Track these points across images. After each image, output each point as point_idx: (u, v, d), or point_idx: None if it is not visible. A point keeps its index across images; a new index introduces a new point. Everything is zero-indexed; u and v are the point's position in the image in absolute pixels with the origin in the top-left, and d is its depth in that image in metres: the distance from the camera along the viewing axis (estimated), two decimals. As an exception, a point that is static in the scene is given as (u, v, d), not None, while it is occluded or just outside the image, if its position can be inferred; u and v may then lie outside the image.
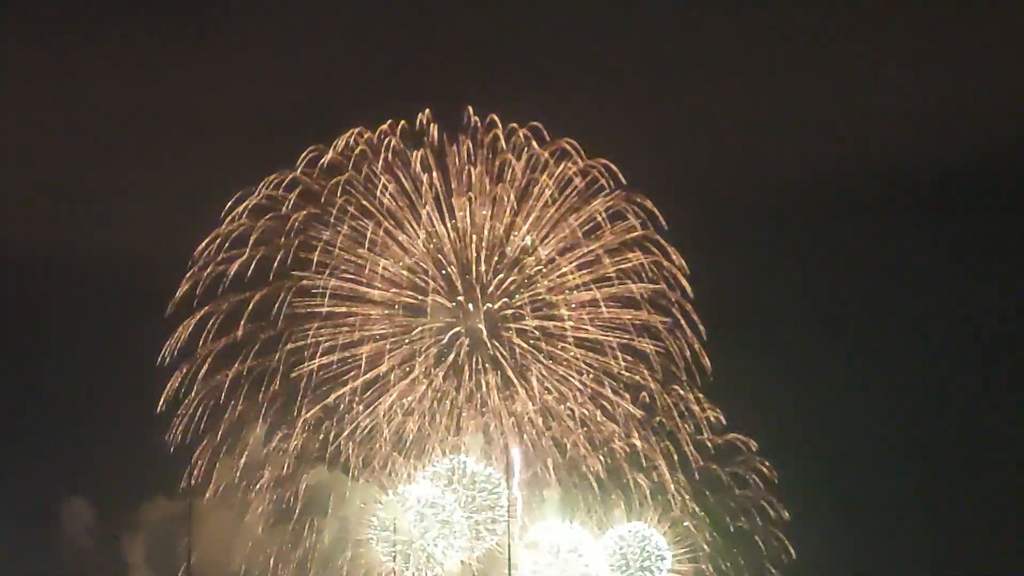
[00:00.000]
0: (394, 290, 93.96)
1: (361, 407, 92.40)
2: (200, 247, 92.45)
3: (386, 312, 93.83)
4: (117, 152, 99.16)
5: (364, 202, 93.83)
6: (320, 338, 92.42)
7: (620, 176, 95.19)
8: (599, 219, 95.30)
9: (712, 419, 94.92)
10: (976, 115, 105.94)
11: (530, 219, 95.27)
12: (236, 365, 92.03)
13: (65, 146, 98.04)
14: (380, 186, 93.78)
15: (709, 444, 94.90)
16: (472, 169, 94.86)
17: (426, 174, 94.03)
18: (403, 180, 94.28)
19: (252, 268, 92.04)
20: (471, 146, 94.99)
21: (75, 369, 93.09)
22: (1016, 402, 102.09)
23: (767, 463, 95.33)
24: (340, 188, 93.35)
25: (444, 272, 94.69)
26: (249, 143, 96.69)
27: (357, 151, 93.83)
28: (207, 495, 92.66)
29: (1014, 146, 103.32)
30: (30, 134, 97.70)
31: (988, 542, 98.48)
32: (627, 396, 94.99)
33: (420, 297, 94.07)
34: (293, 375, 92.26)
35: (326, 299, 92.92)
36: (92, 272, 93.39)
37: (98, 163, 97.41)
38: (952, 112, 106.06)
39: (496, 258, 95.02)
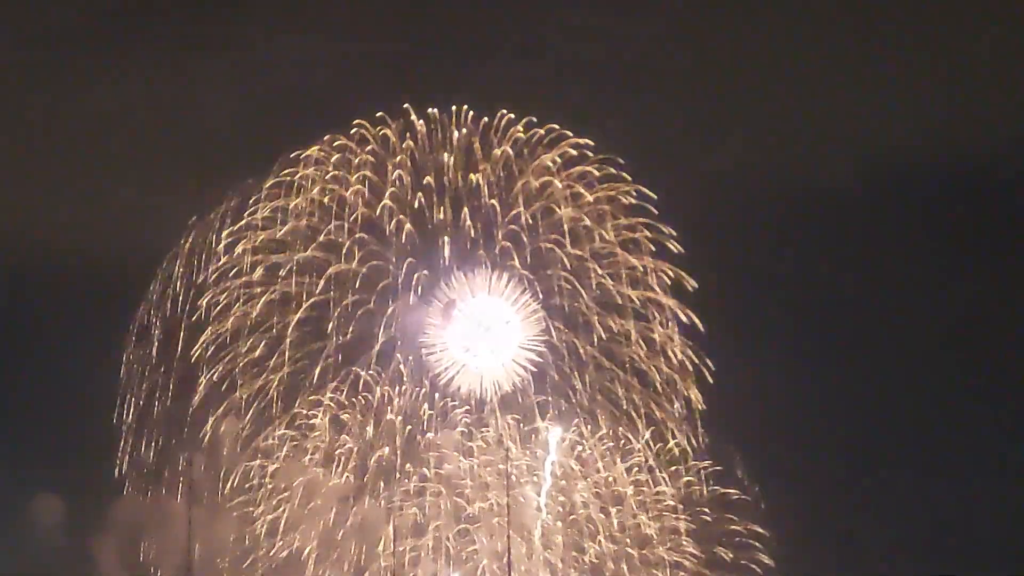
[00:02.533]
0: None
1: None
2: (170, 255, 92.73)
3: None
4: (81, 159, 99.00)
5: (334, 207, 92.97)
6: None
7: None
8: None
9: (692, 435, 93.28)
10: (982, 119, 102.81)
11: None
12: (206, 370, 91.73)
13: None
14: (349, 194, 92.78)
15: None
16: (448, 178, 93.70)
17: (397, 181, 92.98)
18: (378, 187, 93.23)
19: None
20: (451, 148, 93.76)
21: (44, 365, 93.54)
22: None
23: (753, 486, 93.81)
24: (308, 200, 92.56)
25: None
26: (222, 151, 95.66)
27: (333, 159, 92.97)
28: (178, 493, 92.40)
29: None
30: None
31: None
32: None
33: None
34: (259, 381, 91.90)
35: (301, 306, 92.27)
36: (57, 271, 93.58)
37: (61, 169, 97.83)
38: (962, 115, 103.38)
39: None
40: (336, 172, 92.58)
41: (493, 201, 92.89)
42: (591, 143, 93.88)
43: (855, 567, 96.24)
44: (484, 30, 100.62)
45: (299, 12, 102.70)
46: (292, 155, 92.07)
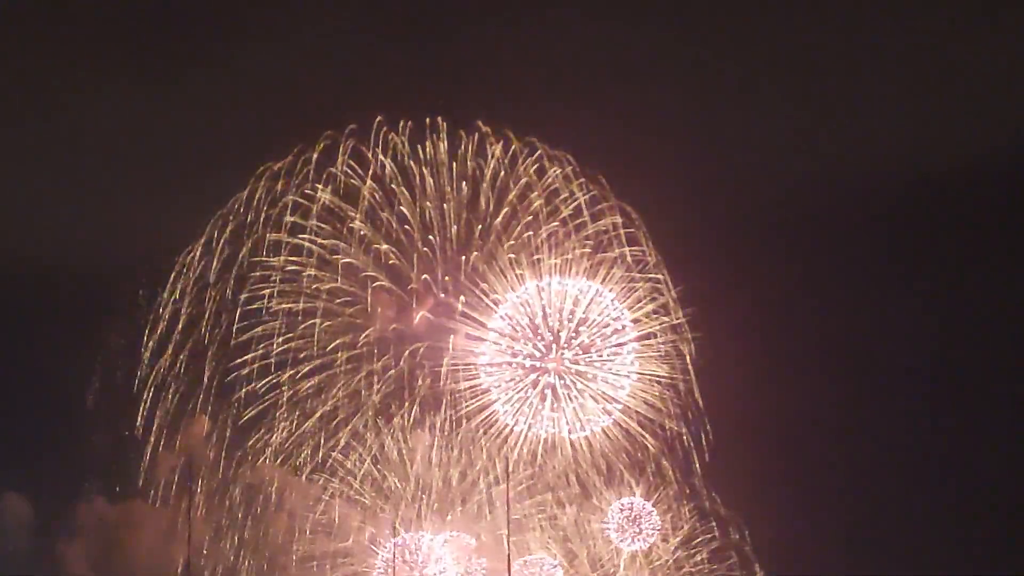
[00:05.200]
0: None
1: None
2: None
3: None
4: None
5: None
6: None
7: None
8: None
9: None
10: (973, 121, 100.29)
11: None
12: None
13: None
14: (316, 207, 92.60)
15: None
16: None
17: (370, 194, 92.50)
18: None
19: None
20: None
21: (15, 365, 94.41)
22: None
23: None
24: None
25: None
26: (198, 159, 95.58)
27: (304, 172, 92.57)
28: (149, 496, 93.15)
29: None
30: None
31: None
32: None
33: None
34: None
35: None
36: (34, 274, 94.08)
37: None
38: (949, 118, 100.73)
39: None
40: (307, 186, 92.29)
41: (464, 214, 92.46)
42: (571, 158, 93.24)
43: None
44: (465, 43, 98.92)
45: (279, 24, 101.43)
46: (262, 168, 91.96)
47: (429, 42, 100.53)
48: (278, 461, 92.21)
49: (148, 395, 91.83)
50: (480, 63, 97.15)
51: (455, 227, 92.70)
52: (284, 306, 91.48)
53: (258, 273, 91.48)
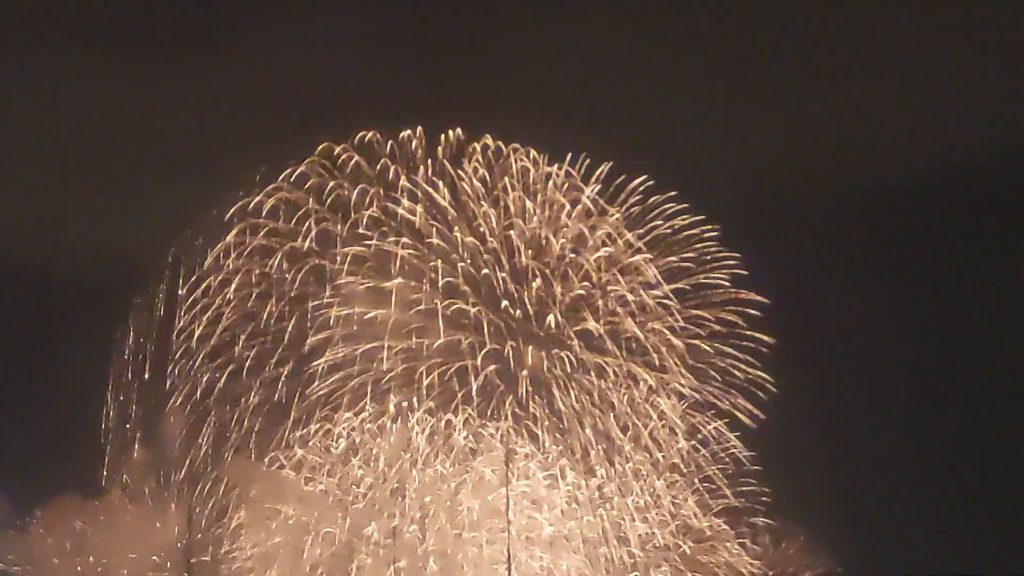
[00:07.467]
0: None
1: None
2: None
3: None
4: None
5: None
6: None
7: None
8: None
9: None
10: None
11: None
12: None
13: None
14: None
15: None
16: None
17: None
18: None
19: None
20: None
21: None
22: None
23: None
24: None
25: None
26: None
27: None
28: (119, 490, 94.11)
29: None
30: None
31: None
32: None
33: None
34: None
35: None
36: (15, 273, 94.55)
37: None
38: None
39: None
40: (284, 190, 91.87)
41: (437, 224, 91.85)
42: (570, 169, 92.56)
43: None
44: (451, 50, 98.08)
45: (259, 36, 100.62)
46: (238, 174, 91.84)
47: (414, 50, 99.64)
48: (253, 459, 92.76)
49: (122, 393, 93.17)
50: (466, 69, 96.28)
51: (434, 228, 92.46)
52: (260, 308, 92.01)
53: (233, 276, 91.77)
